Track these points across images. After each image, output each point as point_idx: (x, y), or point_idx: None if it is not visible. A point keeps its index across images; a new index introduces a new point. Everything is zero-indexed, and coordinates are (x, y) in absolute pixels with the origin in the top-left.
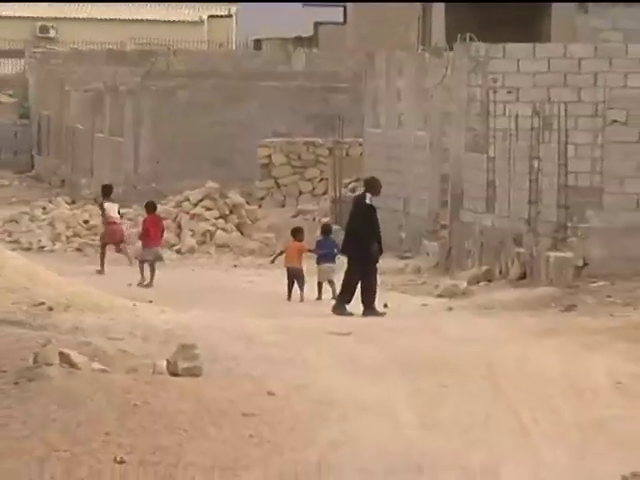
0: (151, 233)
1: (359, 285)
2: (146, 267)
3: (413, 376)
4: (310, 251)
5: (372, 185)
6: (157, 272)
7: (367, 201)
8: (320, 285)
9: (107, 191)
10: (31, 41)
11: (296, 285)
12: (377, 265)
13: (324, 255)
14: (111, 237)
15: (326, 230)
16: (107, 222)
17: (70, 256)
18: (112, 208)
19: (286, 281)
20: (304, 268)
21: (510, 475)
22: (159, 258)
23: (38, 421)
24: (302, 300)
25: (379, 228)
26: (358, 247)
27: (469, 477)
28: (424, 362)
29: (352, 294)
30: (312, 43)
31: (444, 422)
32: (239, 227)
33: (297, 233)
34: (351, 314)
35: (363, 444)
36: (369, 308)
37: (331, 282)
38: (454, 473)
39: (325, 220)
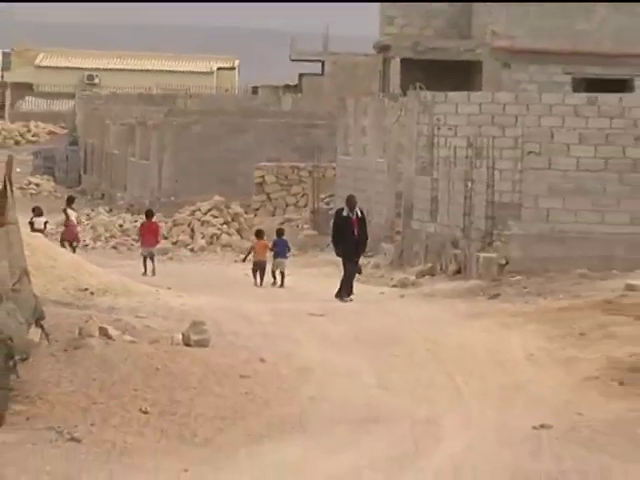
0: (146, 236)
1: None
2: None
3: (373, 348)
4: (270, 249)
5: (349, 201)
6: (170, 265)
7: (358, 214)
8: (274, 273)
9: (70, 201)
10: (80, 86)
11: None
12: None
13: (278, 252)
14: (68, 235)
15: (280, 233)
16: (67, 224)
17: (108, 253)
18: (72, 214)
19: (252, 272)
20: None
21: (447, 425)
22: (152, 255)
23: (82, 380)
24: (262, 285)
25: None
26: (353, 251)
27: (416, 426)
28: (382, 337)
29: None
30: (297, 89)
31: (397, 384)
32: (239, 231)
33: (260, 234)
34: (351, 300)
35: (335, 400)
36: (343, 294)
37: (282, 272)
38: (404, 423)
39: (306, 227)
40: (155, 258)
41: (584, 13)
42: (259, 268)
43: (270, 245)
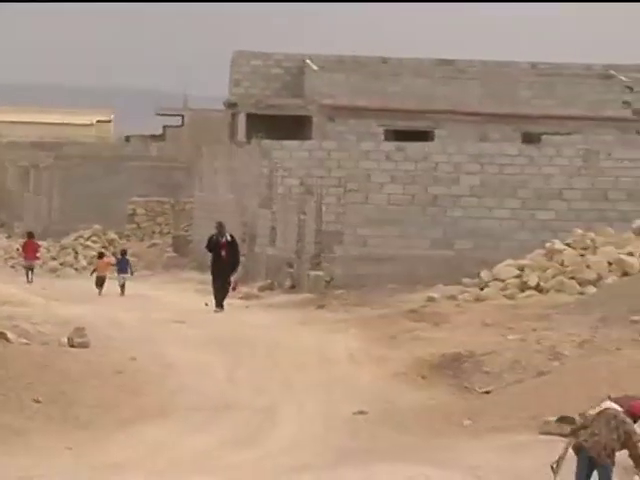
0: (28, 252)
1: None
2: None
3: (223, 349)
4: (113, 265)
5: (218, 227)
6: (58, 281)
7: (228, 239)
8: (121, 287)
9: (30, 234)
10: None
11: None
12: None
13: (120, 268)
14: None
15: (123, 253)
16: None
17: (7, 271)
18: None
19: (95, 285)
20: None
21: (283, 411)
22: (32, 267)
23: None
24: (100, 294)
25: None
26: (222, 269)
27: (257, 413)
28: (230, 340)
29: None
30: (162, 138)
31: (242, 378)
32: (114, 254)
33: (101, 255)
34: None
35: (192, 391)
36: (220, 304)
37: (123, 285)
38: (248, 410)
39: (168, 250)
40: (34, 270)
41: (393, 77)
42: (100, 281)
43: (114, 262)
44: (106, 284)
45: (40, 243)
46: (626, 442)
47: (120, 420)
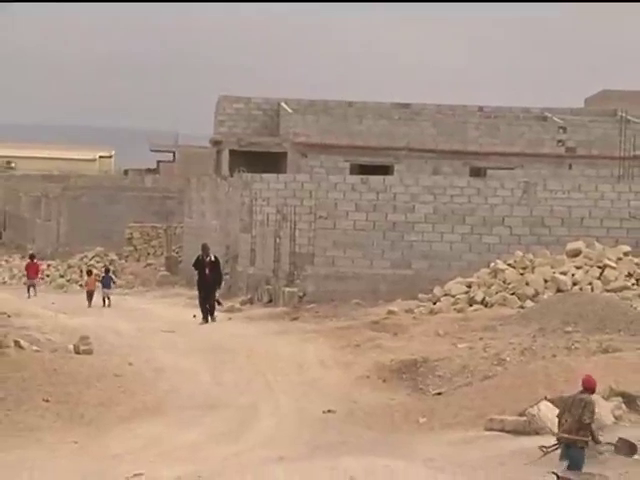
0: (29, 272)
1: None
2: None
3: (208, 355)
4: (98, 281)
5: (203, 248)
6: (65, 296)
7: (212, 258)
8: (104, 299)
9: (32, 256)
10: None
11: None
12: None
13: (104, 284)
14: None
15: (107, 270)
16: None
17: (21, 287)
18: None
19: (86, 298)
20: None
21: (262, 410)
22: (33, 284)
23: (1, 378)
24: (90, 306)
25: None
26: (206, 286)
27: (240, 411)
28: (214, 347)
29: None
30: (156, 172)
31: (225, 381)
32: (114, 273)
33: (90, 272)
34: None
35: (182, 392)
36: (205, 318)
37: (108, 298)
38: (232, 408)
39: (162, 269)
40: (36, 287)
41: (357, 119)
42: (89, 295)
43: (99, 279)
44: (95, 297)
45: (41, 263)
46: (581, 412)
47: (119, 417)
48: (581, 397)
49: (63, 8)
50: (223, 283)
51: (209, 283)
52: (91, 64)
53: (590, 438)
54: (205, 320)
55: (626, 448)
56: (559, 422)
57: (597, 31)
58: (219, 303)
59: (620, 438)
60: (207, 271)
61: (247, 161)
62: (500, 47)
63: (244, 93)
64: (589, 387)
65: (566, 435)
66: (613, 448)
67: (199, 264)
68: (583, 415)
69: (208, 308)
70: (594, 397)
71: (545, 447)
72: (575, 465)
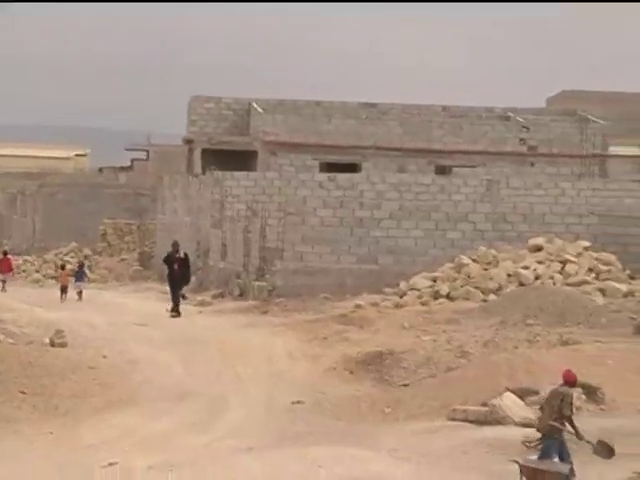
0: (2, 267)
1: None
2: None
3: (180, 347)
4: (71, 275)
5: (173, 245)
6: (41, 290)
7: (181, 255)
8: (78, 292)
9: (5, 252)
10: None
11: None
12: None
13: (77, 278)
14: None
15: (80, 265)
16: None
17: None
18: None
19: (59, 292)
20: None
21: (232, 401)
22: (5, 280)
23: None
24: (63, 300)
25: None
26: (175, 280)
27: (211, 401)
28: (186, 340)
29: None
30: (130, 169)
31: (197, 372)
32: (89, 268)
33: (63, 267)
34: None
35: (155, 383)
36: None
37: (80, 292)
38: (203, 399)
39: (135, 264)
40: (6, 282)
41: (325, 118)
42: (63, 289)
43: (72, 273)
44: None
45: (15, 259)
46: (559, 405)
47: (94, 408)
48: (560, 390)
49: (63, 8)
50: (194, 278)
51: (177, 279)
52: (91, 64)
53: (565, 428)
54: (177, 313)
55: (605, 452)
56: (540, 415)
57: (597, 31)
58: (184, 297)
59: (600, 441)
60: (176, 267)
61: (218, 159)
62: (500, 47)
63: (215, 93)
64: (569, 380)
65: (542, 425)
66: (592, 449)
67: (169, 260)
68: (563, 408)
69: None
70: (573, 391)
71: (528, 442)
72: (546, 454)
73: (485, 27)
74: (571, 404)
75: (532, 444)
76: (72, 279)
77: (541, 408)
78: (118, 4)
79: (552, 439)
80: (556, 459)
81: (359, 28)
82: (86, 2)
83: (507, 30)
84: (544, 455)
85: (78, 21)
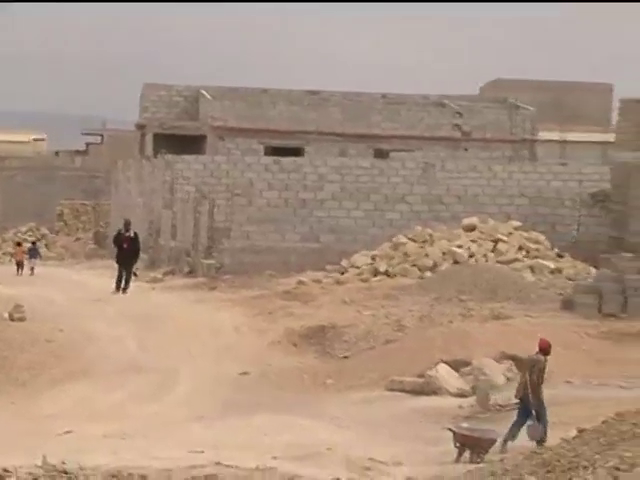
0: None
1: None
2: None
3: (134, 323)
4: (25, 253)
5: (125, 223)
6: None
7: (131, 234)
8: (31, 268)
9: None
10: None
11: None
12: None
13: (31, 255)
14: None
15: (34, 243)
16: None
17: None
18: None
19: (15, 267)
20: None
21: (182, 373)
22: None
23: None
24: (20, 274)
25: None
26: (124, 258)
27: (162, 374)
28: (140, 315)
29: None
30: (85, 153)
31: (151, 347)
32: (46, 246)
33: (20, 244)
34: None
35: (110, 357)
36: (119, 288)
37: (33, 268)
38: (155, 372)
39: (90, 243)
40: None
41: (271, 104)
42: (19, 264)
43: (26, 250)
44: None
45: None
46: (530, 371)
47: (51, 380)
48: (533, 357)
49: (63, 8)
50: (145, 256)
51: (126, 257)
52: (92, 64)
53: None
54: (117, 290)
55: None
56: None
57: (597, 31)
58: (135, 275)
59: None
60: (125, 246)
61: (169, 144)
62: (500, 47)
63: (167, 81)
64: (542, 347)
65: (518, 390)
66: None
67: (118, 240)
68: (532, 374)
69: (122, 280)
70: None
71: (500, 405)
72: (522, 416)
73: (485, 27)
74: (541, 370)
75: (508, 407)
76: (27, 256)
77: (521, 376)
78: (118, 4)
79: (526, 406)
80: (531, 422)
81: (360, 28)
82: (86, 2)
83: (507, 30)
84: (520, 418)
85: (79, 21)
